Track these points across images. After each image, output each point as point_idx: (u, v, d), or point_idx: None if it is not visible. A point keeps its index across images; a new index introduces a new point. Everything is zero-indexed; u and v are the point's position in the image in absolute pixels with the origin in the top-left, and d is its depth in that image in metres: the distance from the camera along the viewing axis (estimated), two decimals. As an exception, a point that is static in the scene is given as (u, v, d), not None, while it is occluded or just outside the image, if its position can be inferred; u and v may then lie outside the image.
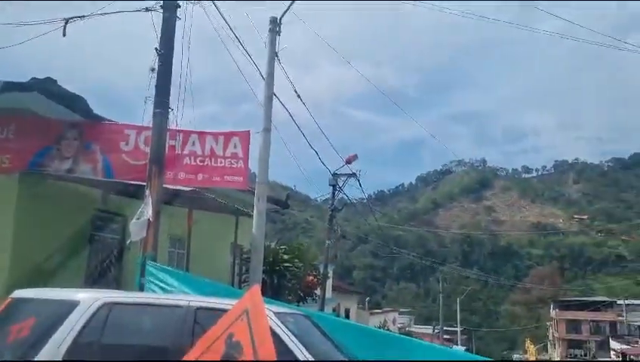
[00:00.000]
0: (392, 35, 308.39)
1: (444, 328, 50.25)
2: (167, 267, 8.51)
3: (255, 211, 11.10)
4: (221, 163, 11.15)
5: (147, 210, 8.32)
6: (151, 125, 9.18)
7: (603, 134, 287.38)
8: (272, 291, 15.28)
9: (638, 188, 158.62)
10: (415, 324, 65.11)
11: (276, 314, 4.61)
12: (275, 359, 3.19)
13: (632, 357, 42.78)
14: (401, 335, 8.18)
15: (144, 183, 8.87)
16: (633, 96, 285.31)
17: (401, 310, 64.28)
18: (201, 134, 11.30)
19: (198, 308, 4.74)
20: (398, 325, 51.02)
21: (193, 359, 3.45)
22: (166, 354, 4.39)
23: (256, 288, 3.65)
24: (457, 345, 48.93)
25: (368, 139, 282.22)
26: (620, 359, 48.14)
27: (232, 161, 11.17)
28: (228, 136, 11.33)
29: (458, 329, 55.65)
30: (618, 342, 54.27)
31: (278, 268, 16.51)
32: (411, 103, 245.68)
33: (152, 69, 9.13)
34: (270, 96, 11.61)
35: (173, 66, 9.20)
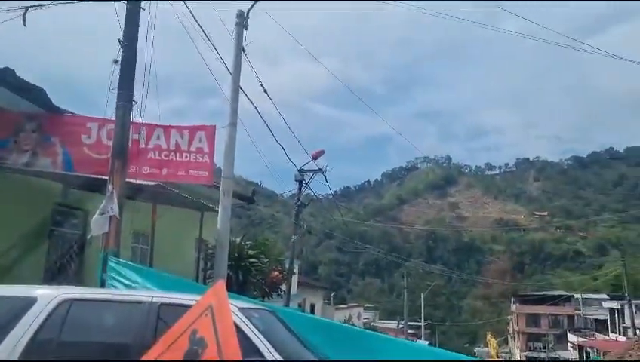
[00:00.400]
0: (360, 32, 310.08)
1: (409, 322, 50.89)
2: (129, 262, 8.35)
3: (220, 206, 11.01)
4: (186, 157, 11.04)
5: (112, 206, 8.15)
6: (114, 118, 8.98)
7: (563, 133, 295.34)
8: (237, 287, 15.19)
9: (596, 186, 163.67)
10: (380, 319, 65.82)
11: (241, 309, 4.57)
12: (240, 355, 3.16)
13: (587, 349, 44.14)
14: (366, 330, 8.23)
15: (106, 177, 8.69)
16: (592, 96, 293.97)
17: (366, 305, 64.83)
18: (166, 128, 11.15)
19: (162, 304, 4.66)
20: (363, 320, 51.42)
21: (156, 356, 3.40)
22: (128, 351, 4.31)
23: (221, 283, 3.61)
24: (421, 339, 49.63)
25: (335, 135, 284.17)
26: (577, 351, 49.65)
27: (198, 156, 11.08)
28: (193, 130, 11.21)
29: (422, 323, 56.45)
30: (575, 334, 55.89)
31: (243, 263, 16.41)
32: (378, 100, 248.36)
33: (116, 61, 8.92)
34: (236, 90, 11.53)
35: (137, 59, 9.01)
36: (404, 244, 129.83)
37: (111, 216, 8.14)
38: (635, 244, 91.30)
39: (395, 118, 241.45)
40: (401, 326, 51.26)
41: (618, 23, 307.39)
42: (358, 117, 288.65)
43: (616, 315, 43.95)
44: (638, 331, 29.60)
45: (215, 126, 11.37)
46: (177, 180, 11.43)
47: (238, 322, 4.23)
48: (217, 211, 11.21)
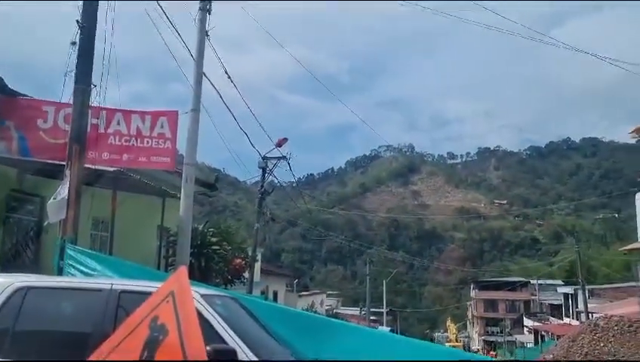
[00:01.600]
0: (326, 20, 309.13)
1: (371, 309, 51.45)
2: (88, 250, 8.18)
3: (182, 193, 10.86)
4: (147, 143, 10.85)
5: (64, 190, 7.94)
6: (71, 102, 8.73)
7: (523, 124, 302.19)
8: (200, 274, 15.06)
9: (553, 176, 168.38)
10: (342, 306, 66.32)
11: (203, 296, 4.54)
12: (202, 342, 3.13)
13: (542, 333, 45.51)
14: (327, 317, 8.31)
15: (64, 163, 8.45)
16: (552, 88, 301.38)
17: (328, 292, 65.19)
18: (127, 113, 10.93)
19: (122, 292, 4.59)
20: (326, 307, 51.77)
21: (115, 344, 3.34)
22: (87, 339, 4.22)
23: (183, 269, 3.56)
24: (383, 325, 50.31)
25: (300, 123, 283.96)
26: (533, 335, 51.13)
27: (159, 142, 10.91)
28: (155, 115, 11.03)
29: (384, 310, 57.19)
30: (531, 319, 57.50)
31: (205, 250, 16.29)
32: (343, 88, 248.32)
33: (73, 43, 8.65)
34: (200, 76, 11.34)
35: (96, 41, 8.74)
36: (367, 232, 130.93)
37: (67, 202, 7.93)
38: (588, 232, 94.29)
39: (359, 106, 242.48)
40: (363, 312, 51.80)
41: (576, 18, 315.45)
42: (322, 105, 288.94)
43: (570, 300, 45.31)
44: (590, 315, 30.67)
45: (177, 112, 11.20)
46: (138, 166, 11.24)
47: (201, 309, 4.20)
48: (179, 198, 11.06)
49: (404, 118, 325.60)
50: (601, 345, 9.04)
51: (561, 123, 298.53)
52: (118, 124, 10.80)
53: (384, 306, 56.78)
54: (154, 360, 3.12)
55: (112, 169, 10.77)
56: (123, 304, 4.40)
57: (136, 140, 10.80)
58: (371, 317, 50.73)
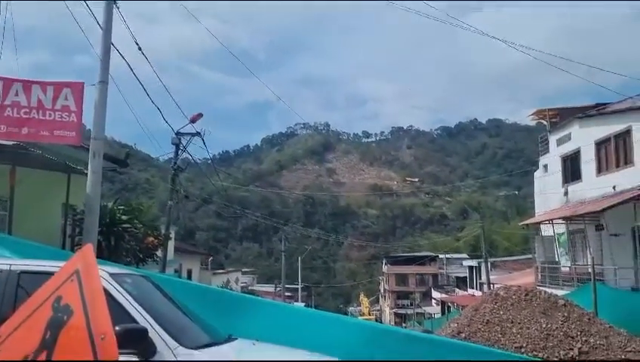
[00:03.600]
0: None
1: (286, 286, 51.98)
2: (-16, 229, 7.65)
3: (90, 169, 10.35)
4: (50, 116, 10.21)
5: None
6: (-37, 69, 8.05)
7: (435, 105, 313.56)
8: (109, 253, 14.53)
9: (461, 154, 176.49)
10: (258, 283, 66.52)
11: (112, 275, 4.38)
12: (109, 321, 3.03)
13: (448, 304, 47.94)
14: (243, 294, 8.32)
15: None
16: (462, 71, 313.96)
17: (244, 269, 65.08)
18: (26, 83, 10.21)
19: (22, 272, 4.34)
20: (241, 284, 51.73)
21: (14, 326, 3.16)
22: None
23: (89, 247, 3.42)
24: (298, 301, 51.03)
25: (215, 99, 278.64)
26: (440, 306, 53.83)
27: (64, 115, 10.29)
28: (58, 86, 10.37)
29: (299, 286, 57.97)
30: (438, 291, 60.47)
31: (115, 229, 15.69)
32: (260, 65, 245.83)
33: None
34: (108, 46, 10.77)
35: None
36: (282, 209, 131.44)
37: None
38: (492, 208, 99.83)
39: (275, 83, 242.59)
40: (278, 289, 52.24)
41: (488, 6, 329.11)
42: (239, 81, 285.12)
43: (474, 272, 47.89)
44: (492, 286, 32.61)
45: (83, 83, 10.58)
46: (40, 140, 10.56)
47: (109, 288, 4.05)
48: (87, 174, 10.54)
49: (321, 97, 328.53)
50: (501, 313, 9.66)
51: (469, 104, 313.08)
52: (17, 95, 10.08)
53: (299, 282, 57.53)
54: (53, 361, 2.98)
55: (9, 143, 10.07)
56: (23, 285, 4.18)
57: (38, 112, 10.12)
58: (286, 294, 51.29)
